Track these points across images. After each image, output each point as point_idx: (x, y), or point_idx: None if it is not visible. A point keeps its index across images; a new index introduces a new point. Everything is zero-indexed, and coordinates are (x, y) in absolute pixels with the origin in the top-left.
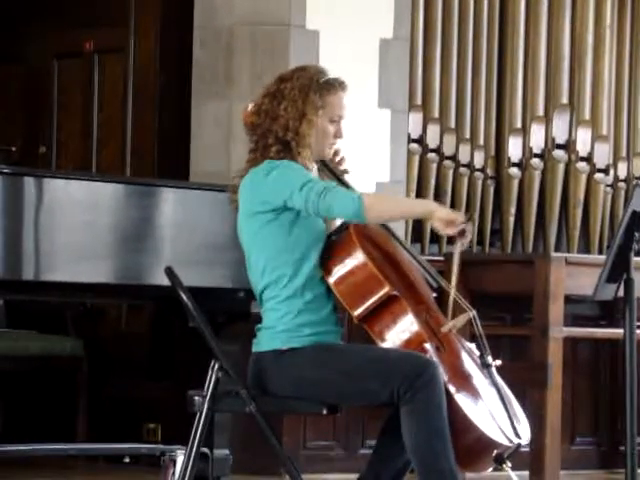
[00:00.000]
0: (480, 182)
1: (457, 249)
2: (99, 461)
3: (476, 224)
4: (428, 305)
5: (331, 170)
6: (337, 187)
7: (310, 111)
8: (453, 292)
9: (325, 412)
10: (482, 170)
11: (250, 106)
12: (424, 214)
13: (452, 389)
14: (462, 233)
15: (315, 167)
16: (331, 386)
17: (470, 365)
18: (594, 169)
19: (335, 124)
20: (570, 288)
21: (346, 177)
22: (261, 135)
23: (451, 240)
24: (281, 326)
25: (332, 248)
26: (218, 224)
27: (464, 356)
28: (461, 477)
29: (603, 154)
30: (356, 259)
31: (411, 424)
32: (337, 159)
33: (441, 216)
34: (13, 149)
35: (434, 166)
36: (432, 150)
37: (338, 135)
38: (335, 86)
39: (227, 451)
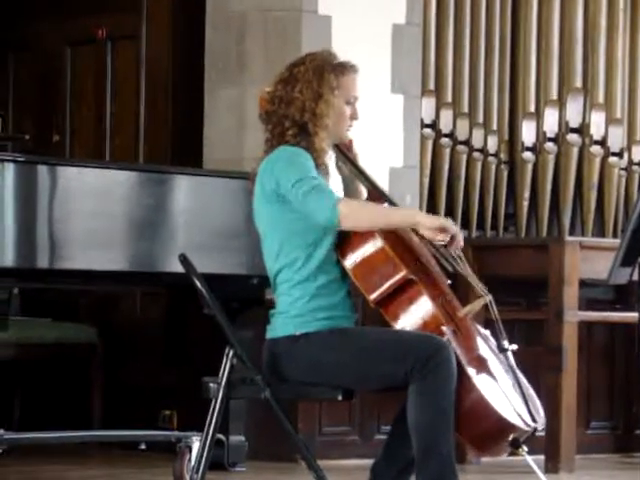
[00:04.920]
0: (494, 167)
1: (462, 266)
2: (115, 448)
3: (490, 209)
4: (444, 290)
5: (346, 155)
6: (323, 190)
7: (326, 91)
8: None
9: (340, 398)
10: (495, 155)
11: (264, 93)
12: (408, 224)
13: (471, 372)
14: (452, 239)
15: (332, 155)
16: (346, 370)
17: (485, 350)
18: (608, 153)
19: (351, 105)
20: (585, 272)
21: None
22: (277, 122)
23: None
24: (294, 311)
25: (349, 232)
26: (231, 211)
27: (480, 341)
28: (477, 462)
29: (617, 137)
30: (373, 243)
31: (417, 402)
32: (351, 155)
33: (427, 225)
34: (27, 137)
35: (447, 151)
36: (445, 135)
37: (354, 117)
38: (347, 68)
39: (242, 437)
